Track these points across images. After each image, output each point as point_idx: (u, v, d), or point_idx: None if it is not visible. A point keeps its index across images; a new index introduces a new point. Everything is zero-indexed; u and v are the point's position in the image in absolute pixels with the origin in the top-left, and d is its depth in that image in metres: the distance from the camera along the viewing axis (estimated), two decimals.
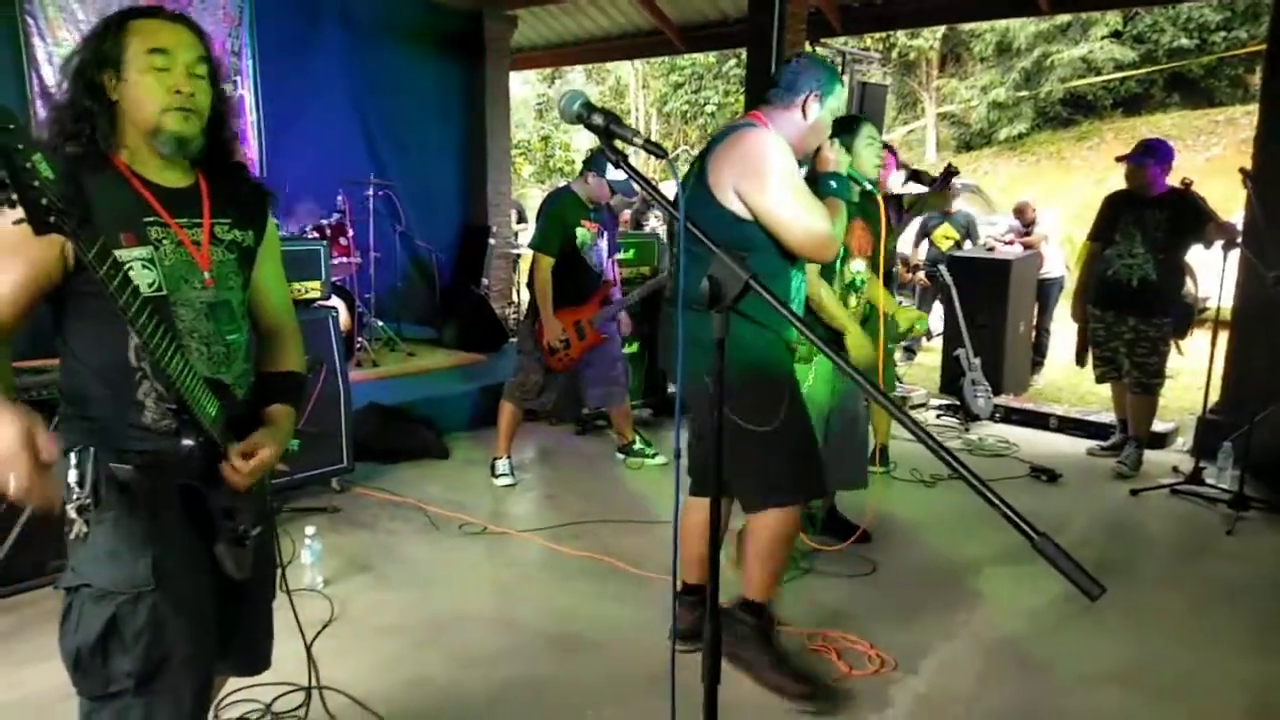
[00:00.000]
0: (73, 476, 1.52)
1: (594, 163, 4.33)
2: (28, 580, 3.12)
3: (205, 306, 1.60)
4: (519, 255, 8.49)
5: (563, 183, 4.58)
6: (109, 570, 1.52)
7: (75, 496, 1.52)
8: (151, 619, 1.52)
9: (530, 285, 4.38)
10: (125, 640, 1.52)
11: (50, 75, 5.19)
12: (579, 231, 4.30)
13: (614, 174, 4.26)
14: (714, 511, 1.49)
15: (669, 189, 7.39)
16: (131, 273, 1.43)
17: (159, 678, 1.54)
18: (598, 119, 1.49)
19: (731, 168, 2.47)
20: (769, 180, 2.43)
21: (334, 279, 5.32)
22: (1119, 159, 4.78)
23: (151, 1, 3.51)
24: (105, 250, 1.30)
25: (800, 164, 2.65)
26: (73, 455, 1.52)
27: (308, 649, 2.80)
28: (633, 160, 1.61)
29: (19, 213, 1.20)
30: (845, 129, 3.44)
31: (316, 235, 5.73)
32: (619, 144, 1.50)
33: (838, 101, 2.68)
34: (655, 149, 1.50)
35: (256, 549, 1.74)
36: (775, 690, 2.58)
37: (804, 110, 2.62)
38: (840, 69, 7.24)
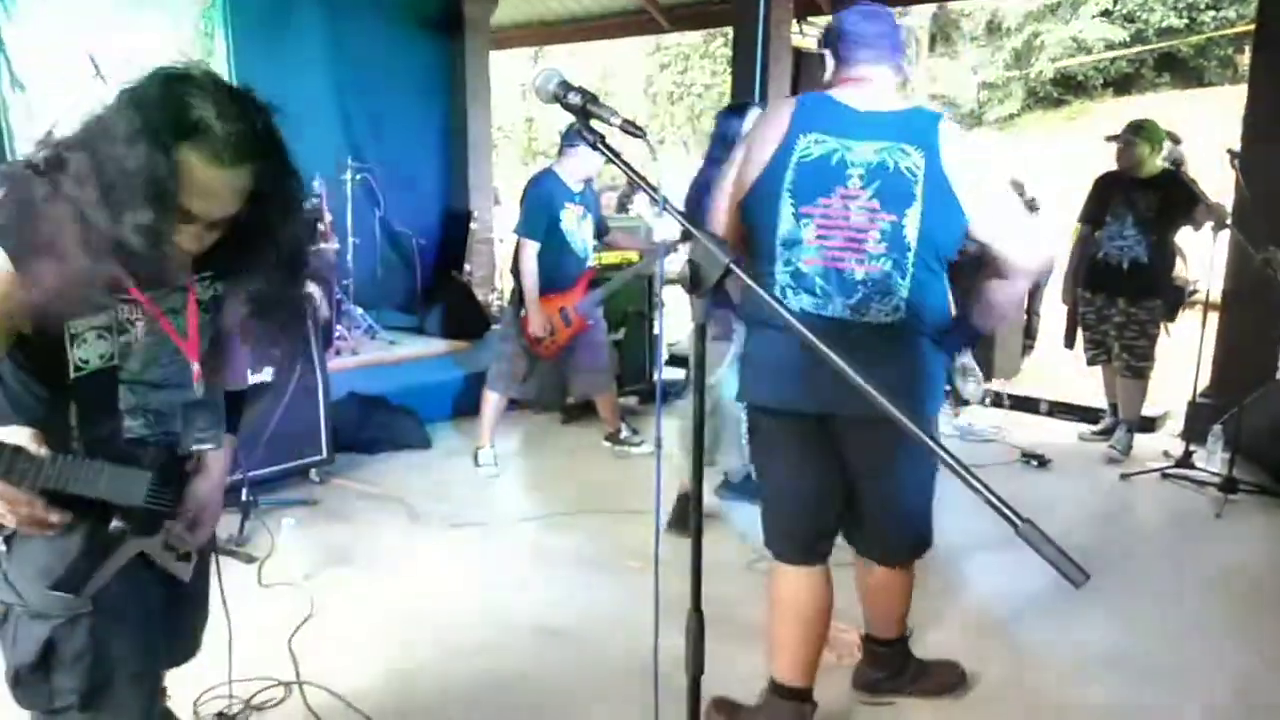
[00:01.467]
0: None
1: (573, 135, 4.24)
2: None
3: (182, 403, 1.46)
4: (500, 240, 8.39)
5: (545, 165, 4.50)
6: (41, 592, 1.40)
7: None
8: (91, 640, 1.43)
9: (514, 272, 4.31)
10: (65, 661, 1.43)
11: (19, 58, 5.06)
12: (563, 215, 4.23)
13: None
14: (696, 506, 1.44)
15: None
16: (83, 347, 1.33)
17: (104, 695, 1.46)
18: (574, 98, 1.42)
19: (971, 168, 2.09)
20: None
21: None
22: (1109, 139, 4.73)
23: None
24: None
25: None
26: None
27: (289, 643, 2.76)
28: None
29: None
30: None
31: None
32: (596, 124, 1.43)
33: None
34: (634, 129, 1.44)
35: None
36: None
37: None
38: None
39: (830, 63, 2.26)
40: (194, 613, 1.76)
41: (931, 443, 1.12)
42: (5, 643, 1.45)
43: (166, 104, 1.22)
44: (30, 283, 1.23)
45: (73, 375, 1.33)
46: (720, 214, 2.25)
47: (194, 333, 1.46)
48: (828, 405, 2.11)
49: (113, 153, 1.20)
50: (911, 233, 2.06)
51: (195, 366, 1.46)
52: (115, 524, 1.37)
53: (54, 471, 1.25)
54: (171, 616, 1.63)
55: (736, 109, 3.76)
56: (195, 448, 1.49)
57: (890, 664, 2.60)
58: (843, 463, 2.22)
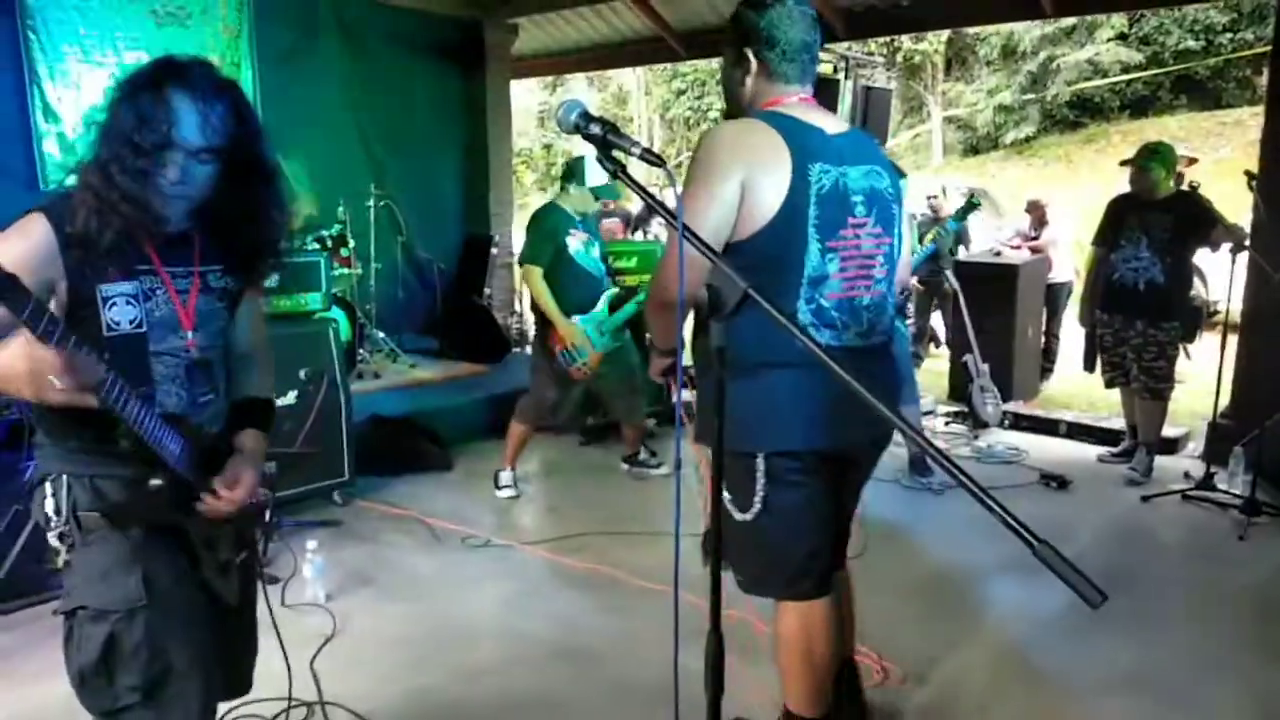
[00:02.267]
0: (49, 505, 1.56)
1: (572, 174, 4.33)
2: (29, 596, 3.11)
3: (183, 365, 1.62)
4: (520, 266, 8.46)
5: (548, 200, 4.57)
6: (101, 590, 1.54)
7: (53, 525, 1.55)
8: (148, 633, 1.55)
9: (534, 305, 4.36)
10: (125, 656, 1.55)
11: (51, 90, 5.20)
12: (569, 241, 4.28)
13: (593, 180, 4.24)
14: (715, 528, 1.47)
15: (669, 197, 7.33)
16: (114, 309, 1.51)
17: (164, 688, 1.57)
18: (595, 129, 1.46)
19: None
20: None
21: (335, 290, 5.30)
22: (1123, 163, 4.74)
23: None
24: (52, 323, 1.32)
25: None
26: (48, 484, 1.56)
27: (311, 664, 2.80)
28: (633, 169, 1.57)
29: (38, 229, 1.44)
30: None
31: (317, 246, 5.72)
32: (618, 154, 1.47)
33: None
34: (654, 158, 1.48)
35: (241, 573, 1.75)
36: None
37: None
38: (844, 74, 7.21)
39: (753, 61, 2.07)
40: (244, 647, 1.88)
41: (949, 464, 1.12)
42: (70, 651, 1.57)
43: (155, 65, 1.51)
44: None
45: (105, 334, 1.51)
46: (695, 258, 1.53)
47: (193, 305, 1.63)
48: (867, 437, 2.11)
49: (114, 109, 1.48)
50: (896, 253, 2.12)
51: (190, 335, 1.62)
52: (154, 481, 1.54)
53: (117, 393, 1.42)
54: (226, 650, 1.75)
55: None
56: (199, 401, 1.65)
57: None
58: (841, 484, 2.19)
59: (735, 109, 2.16)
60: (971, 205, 4.69)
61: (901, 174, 2.66)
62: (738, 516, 2.08)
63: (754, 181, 1.91)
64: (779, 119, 1.98)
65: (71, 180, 1.51)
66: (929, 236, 6.41)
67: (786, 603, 2.18)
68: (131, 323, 1.54)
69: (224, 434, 1.72)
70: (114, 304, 1.52)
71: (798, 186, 1.92)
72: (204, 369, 1.65)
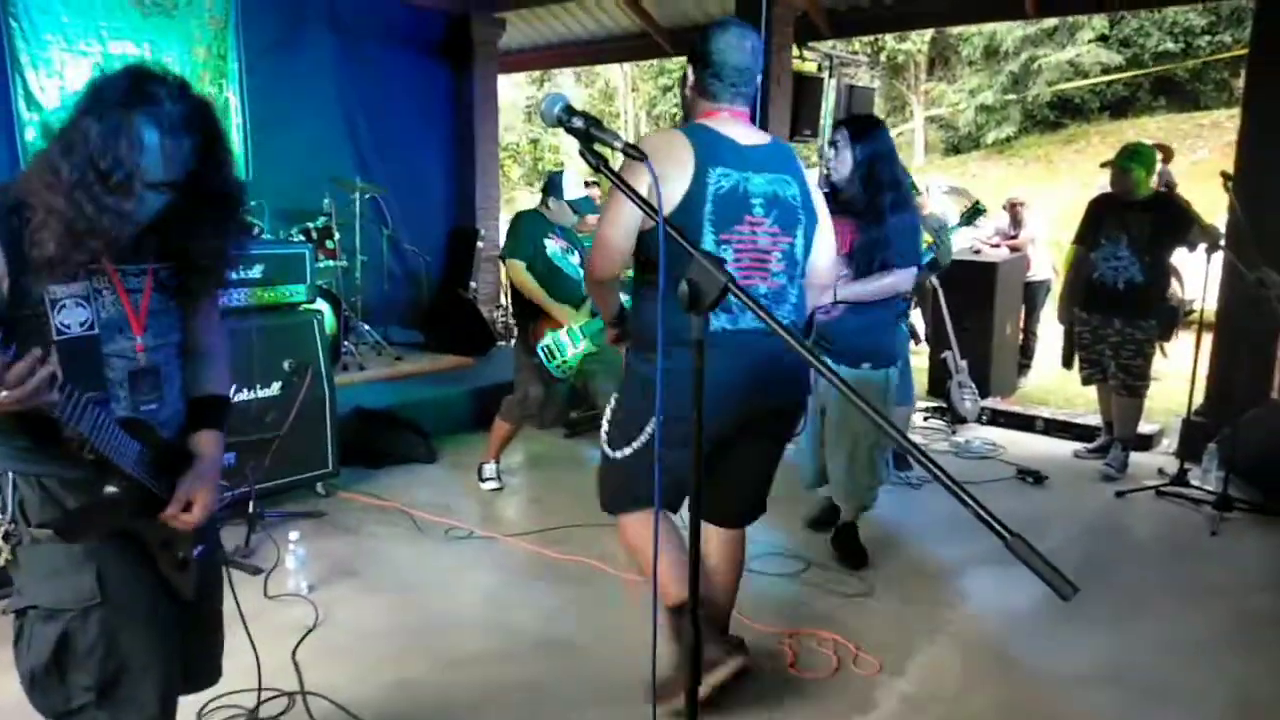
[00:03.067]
0: None
1: (551, 188, 4.38)
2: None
3: (127, 370, 1.57)
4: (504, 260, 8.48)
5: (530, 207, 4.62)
6: (53, 589, 1.50)
7: None
8: (102, 631, 1.51)
9: (515, 301, 4.39)
10: (78, 655, 1.51)
11: (34, 78, 5.16)
12: (547, 244, 4.31)
13: (571, 194, 4.30)
14: (694, 517, 1.50)
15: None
16: (64, 311, 1.45)
17: (119, 686, 1.54)
18: (578, 122, 1.49)
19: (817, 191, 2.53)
20: None
21: (320, 282, 5.29)
22: (1104, 165, 4.80)
23: None
24: None
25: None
26: None
27: (293, 655, 2.81)
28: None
29: None
30: None
31: (303, 238, 5.70)
32: (599, 148, 1.50)
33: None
34: (636, 153, 1.50)
35: (202, 567, 1.73)
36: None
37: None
38: (828, 72, 7.26)
39: (692, 77, 2.41)
40: (210, 636, 1.84)
41: (918, 453, 1.15)
42: (21, 651, 1.53)
43: (125, 82, 1.43)
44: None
45: (55, 337, 1.44)
46: (613, 244, 2.31)
47: (144, 307, 1.58)
48: (763, 404, 2.43)
49: (78, 121, 1.42)
50: (799, 251, 2.42)
51: (139, 339, 1.57)
52: (109, 489, 1.49)
53: (71, 405, 1.37)
54: (190, 641, 1.71)
55: None
56: (143, 409, 1.59)
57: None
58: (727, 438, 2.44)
59: (685, 116, 2.52)
60: (976, 211, 4.71)
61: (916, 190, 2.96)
62: (615, 454, 2.51)
63: (662, 179, 2.15)
64: (696, 130, 2.34)
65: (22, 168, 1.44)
66: (925, 243, 6.47)
67: (647, 514, 2.44)
68: (82, 324, 1.48)
69: (178, 438, 1.68)
70: (63, 306, 1.46)
71: (696, 186, 2.26)
72: (150, 376, 1.59)
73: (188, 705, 2.09)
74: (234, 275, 1.73)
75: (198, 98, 1.50)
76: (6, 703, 2.44)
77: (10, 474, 1.52)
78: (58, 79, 5.24)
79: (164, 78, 1.46)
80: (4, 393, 1.25)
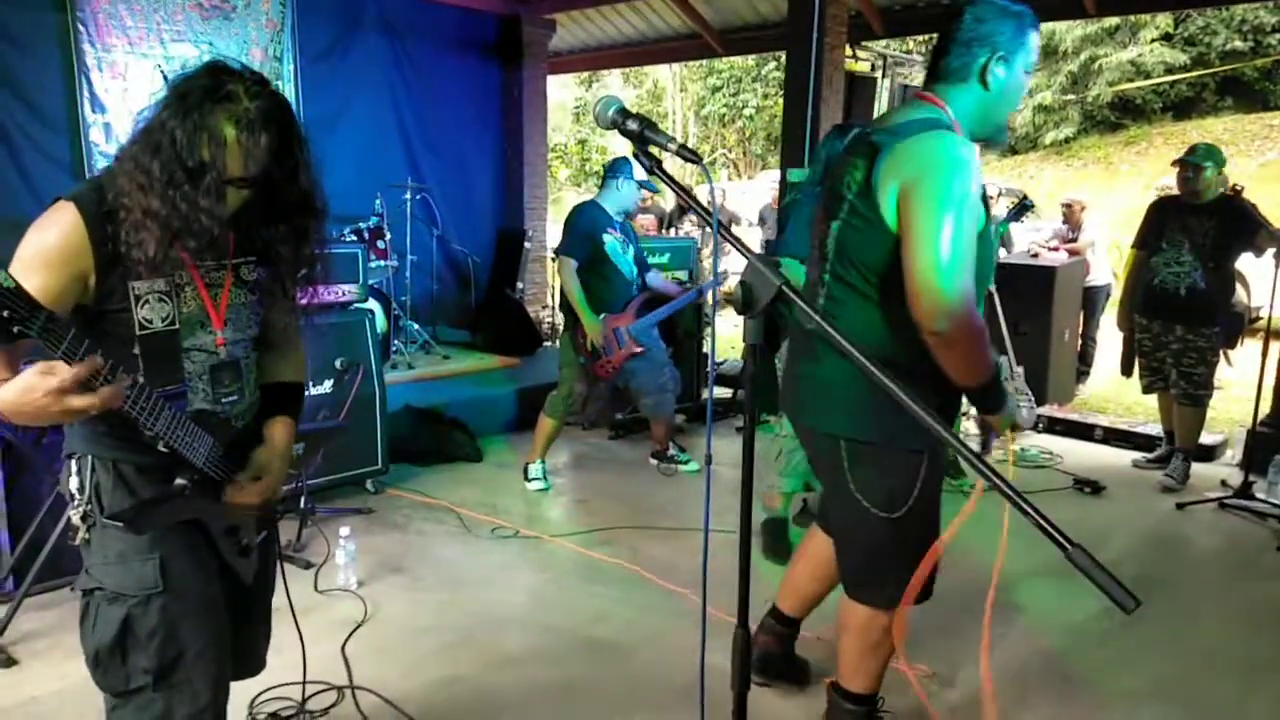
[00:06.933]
0: (74, 484, 1.57)
1: (619, 169, 4.34)
2: (70, 575, 3.18)
3: (209, 364, 1.61)
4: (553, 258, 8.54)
5: (589, 197, 4.60)
6: (119, 573, 1.56)
7: (76, 502, 1.57)
8: (163, 619, 1.56)
9: (564, 297, 4.40)
10: (140, 639, 1.56)
11: (99, 80, 5.31)
12: (606, 238, 4.30)
13: (639, 173, 4.27)
14: (744, 526, 1.47)
15: (703, 193, 7.33)
16: (146, 306, 1.49)
17: (175, 672, 1.58)
18: (632, 125, 1.47)
19: (902, 177, 1.94)
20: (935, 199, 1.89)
21: (371, 282, 5.37)
22: (1174, 163, 4.65)
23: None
24: (76, 342, 1.27)
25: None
26: (73, 463, 1.57)
27: (342, 649, 2.84)
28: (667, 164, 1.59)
29: (68, 220, 1.39)
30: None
31: (355, 238, 5.79)
32: (653, 150, 1.49)
33: (1033, 56, 2.16)
34: (690, 155, 1.49)
35: (261, 555, 1.78)
36: None
37: (984, 80, 2.08)
38: (882, 72, 7.17)
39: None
40: (259, 627, 1.89)
41: (980, 463, 1.12)
42: (86, 629, 1.59)
43: (206, 80, 1.44)
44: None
45: (138, 332, 1.50)
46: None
47: (224, 302, 1.62)
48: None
49: (160, 117, 1.43)
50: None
51: (219, 333, 1.61)
52: (179, 481, 1.54)
53: (146, 402, 1.42)
54: (240, 630, 1.76)
55: (840, 129, 3.64)
56: (223, 401, 1.64)
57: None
58: None
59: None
60: (1024, 206, 4.57)
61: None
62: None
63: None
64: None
65: (103, 166, 1.47)
66: None
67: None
68: (164, 320, 1.52)
69: (253, 425, 1.71)
70: (146, 302, 1.50)
71: None
72: (230, 369, 1.63)
73: (240, 696, 2.14)
74: (316, 272, 1.73)
75: (275, 94, 1.50)
76: (86, 681, 2.53)
77: (90, 457, 1.57)
78: (121, 81, 5.39)
79: (242, 74, 1.47)
80: (79, 401, 1.27)
